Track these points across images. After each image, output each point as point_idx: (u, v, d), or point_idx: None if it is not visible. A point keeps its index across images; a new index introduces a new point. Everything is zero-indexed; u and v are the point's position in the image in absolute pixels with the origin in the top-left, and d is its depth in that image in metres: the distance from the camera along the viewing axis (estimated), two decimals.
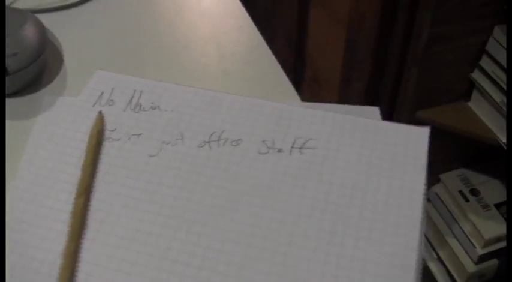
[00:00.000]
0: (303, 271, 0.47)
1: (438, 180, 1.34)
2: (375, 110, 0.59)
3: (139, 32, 0.69)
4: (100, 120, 0.57)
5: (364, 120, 0.57)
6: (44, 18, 0.66)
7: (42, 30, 0.63)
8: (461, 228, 1.27)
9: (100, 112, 0.57)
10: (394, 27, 1.14)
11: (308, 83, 1.42)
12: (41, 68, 0.63)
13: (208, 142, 0.55)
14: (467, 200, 1.28)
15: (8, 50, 0.59)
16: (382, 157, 0.54)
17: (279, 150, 0.55)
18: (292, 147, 0.55)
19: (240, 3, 0.72)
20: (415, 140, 0.56)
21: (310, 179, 0.52)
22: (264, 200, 0.51)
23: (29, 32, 0.61)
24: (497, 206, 1.27)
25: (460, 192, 1.29)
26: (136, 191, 0.52)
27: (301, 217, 0.50)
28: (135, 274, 0.47)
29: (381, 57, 1.19)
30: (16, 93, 0.61)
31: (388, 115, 1.23)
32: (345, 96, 1.28)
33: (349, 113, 0.58)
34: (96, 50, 0.66)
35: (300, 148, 0.55)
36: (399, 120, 1.19)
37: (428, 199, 1.37)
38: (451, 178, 1.32)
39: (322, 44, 1.32)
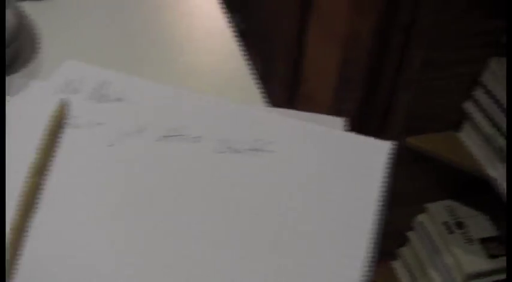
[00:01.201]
0: (244, 270, 0.46)
1: (424, 210, 1.33)
2: (339, 121, 0.59)
3: (116, 26, 0.69)
4: (62, 106, 0.57)
5: (325, 129, 0.57)
6: (26, 6, 0.67)
7: (19, 15, 0.63)
8: (442, 260, 1.26)
9: (63, 99, 0.58)
10: (388, 50, 1.14)
11: (302, 101, 1.42)
12: (15, 53, 0.63)
13: (167, 137, 0.55)
14: (451, 232, 1.27)
15: None
16: (338, 167, 0.54)
17: (236, 151, 0.54)
18: (249, 149, 0.55)
19: (218, 7, 0.72)
20: (375, 153, 0.55)
21: (263, 180, 0.52)
22: (214, 198, 0.51)
23: (6, 16, 0.61)
24: (482, 241, 1.26)
25: (445, 223, 1.28)
26: (90, 178, 0.52)
27: (252, 215, 0.50)
28: (79, 257, 0.47)
29: (374, 79, 1.19)
30: None
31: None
32: (335, 116, 1.27)
33: (314, 122, 0.58)
34: (73, 41, 0.67)
35: (257, 150, 0.54)
36: None
37: (412, 227, 1.36)
38: (438, 209, 1.31)
39: (318, 62, 1.33)
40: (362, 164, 0.54)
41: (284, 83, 1.46)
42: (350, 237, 0.49)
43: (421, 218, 1.33)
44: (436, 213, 1.30)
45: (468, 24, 1.03)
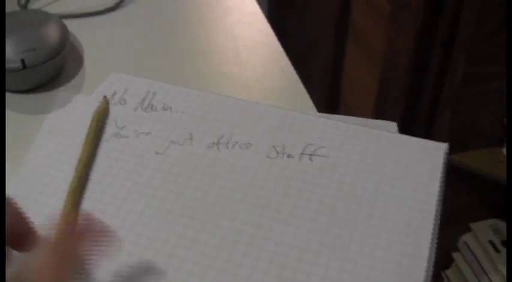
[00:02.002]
0: (303, 274, 0.45)
1: (469, 230, 1.30)
2: (392, 125, 0.57)
3: (160, 40, 0.69)
4: (104, 104, 0.55)
5: (378, 132, 0.55)
6: (70, 23, 0.67)
7: (63, 31, 0.63)
8: (490, 280, 1.22)
9: (105, 97, 0.56)
10: (428, 67, 1.12)
11: None
12: (59, 67, 0.63)
13: (217, 144, 0.54)
14: (497, 251, 1.23)
15: (28, 45, 0.59)
16: (394, 169, 0.52)
17: (289, 156, 0.53)
18: (302, 153, 0.53)
19: (264, 18, 0.71)
20: (431, 154, 0.53)
21: (319, 184, 0.51)
22: (268, 202, 0.49)
23: (50, 31, 0.62)
24: None
25: (491, 242, 1.25)
26: (139, 186, 0.51)
27: (306, 220, 0.48)
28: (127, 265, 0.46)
29: (414, 97, 1.17)
30: (33, 90, 0.62)
31: None
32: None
33: (366, 126, 0.56)
34: (116, 56, 0.66)
35: (311, 155, 0.53)
36: None
37: (457, 248, 1.32)
38: (482, 228, 1.28)
39: (356, 82, 1.31)
40: (420, 166, 0.52)
41: (322, 103, 1.44)
42: (411, 238, 0.47)
43: (465, 238, 1.29)
44: (481, 232, 1.27)
45: (504, 38, 1.02)
